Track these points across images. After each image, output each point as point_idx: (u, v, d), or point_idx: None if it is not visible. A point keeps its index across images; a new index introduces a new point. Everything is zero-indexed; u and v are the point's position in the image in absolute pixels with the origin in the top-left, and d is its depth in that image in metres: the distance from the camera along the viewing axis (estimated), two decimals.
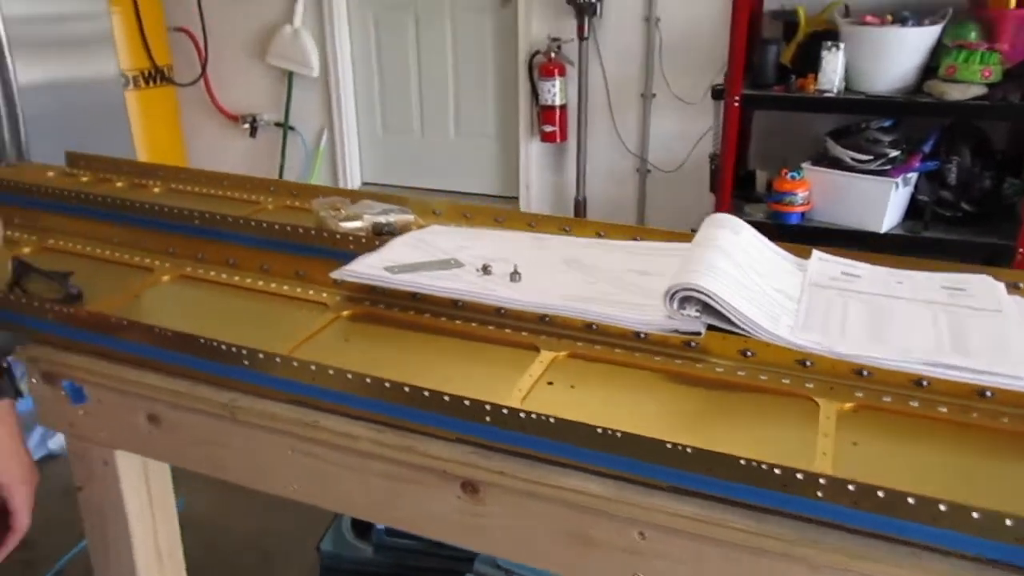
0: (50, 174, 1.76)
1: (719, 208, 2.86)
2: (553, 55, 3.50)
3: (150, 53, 3.73)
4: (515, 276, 1.11)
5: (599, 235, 1.33)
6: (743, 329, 0.93)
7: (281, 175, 4.23)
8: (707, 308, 0.94)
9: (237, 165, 4.19)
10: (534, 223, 1.39)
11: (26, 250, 1.36)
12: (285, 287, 1.19)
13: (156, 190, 1.66)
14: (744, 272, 1.02)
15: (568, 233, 1.35)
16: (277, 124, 4.19)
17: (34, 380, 1.11)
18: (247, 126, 4.23)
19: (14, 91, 2.78)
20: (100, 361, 1.06)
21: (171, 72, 3.94)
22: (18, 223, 1.46)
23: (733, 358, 0.95)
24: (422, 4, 3.86)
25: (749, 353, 0.94)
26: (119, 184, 1.69)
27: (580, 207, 3.66)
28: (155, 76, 3.81)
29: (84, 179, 1.72)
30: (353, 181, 4.20)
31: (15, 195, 1.52)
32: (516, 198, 3.87)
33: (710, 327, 0.95)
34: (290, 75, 4.07)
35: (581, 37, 3.41)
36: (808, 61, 2.75)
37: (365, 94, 4.12)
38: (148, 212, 1.37)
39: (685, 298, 0.94)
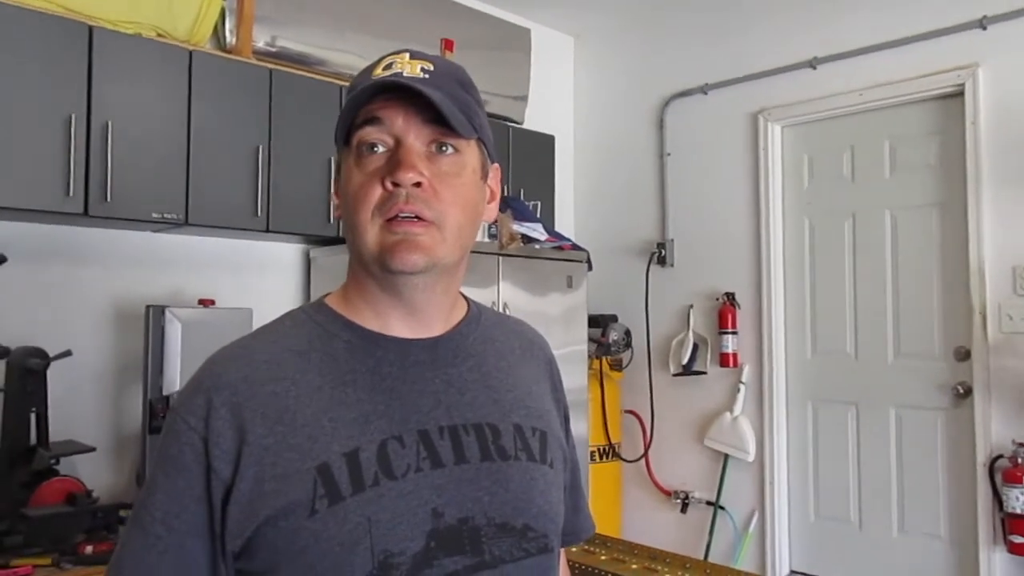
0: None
1: None
2: (1020, 460, 3.28)
3: (607, 432, 4.28)
4: None
5: None
6: None
7: (707, 553, 4.30)
8: None
9: (666, 536, 4.38)
10: None
11: None
12: None
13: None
14: None
15: None
16: (708, 503, 4.37)
17: None
18: (679, 501, 4.47)
19: None
20: None
21: (620, 449, 4.43)
22: None
23: None
24: (863, 398, 3.96)
25: None
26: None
27: None
28: (608, 452, 4.32)
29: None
30: (782, 568, 4.11)
31: None
32: None
33: None
34: (725, 457, 4.32)
35: None
36: None
37: (799, 480, 4.17)
38: None
39: None
